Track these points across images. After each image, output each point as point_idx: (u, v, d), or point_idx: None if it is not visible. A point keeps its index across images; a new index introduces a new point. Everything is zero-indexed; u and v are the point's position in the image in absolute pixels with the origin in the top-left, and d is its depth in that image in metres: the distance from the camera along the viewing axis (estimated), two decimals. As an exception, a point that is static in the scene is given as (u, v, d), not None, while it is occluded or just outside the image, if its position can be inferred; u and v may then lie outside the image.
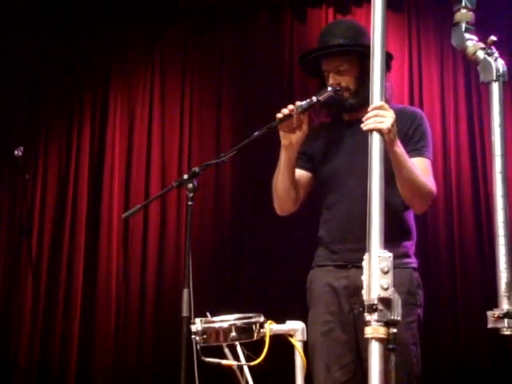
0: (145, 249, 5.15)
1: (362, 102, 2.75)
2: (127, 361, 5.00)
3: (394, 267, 1.67)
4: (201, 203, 4.89)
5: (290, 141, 2.75)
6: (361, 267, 1.69)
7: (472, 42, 1.94)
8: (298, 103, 2.72)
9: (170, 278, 5.06)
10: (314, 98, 2.74)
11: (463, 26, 1.96)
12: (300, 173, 2.89)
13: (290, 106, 2.70)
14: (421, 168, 2.64)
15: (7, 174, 5.36)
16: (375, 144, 1.78)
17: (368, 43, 2.81)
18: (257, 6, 5.31)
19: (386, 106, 2.11)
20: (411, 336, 2.64)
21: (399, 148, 2.47)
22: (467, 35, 1.95)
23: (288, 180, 2.82)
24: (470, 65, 4.54)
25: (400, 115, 2.37)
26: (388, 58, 2.59)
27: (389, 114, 2.18)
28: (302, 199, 2.91)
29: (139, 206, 3.07)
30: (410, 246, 2.77)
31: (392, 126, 2.22)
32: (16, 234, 5.23)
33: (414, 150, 2.66)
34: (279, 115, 2.71)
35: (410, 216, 2.80)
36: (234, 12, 5.36)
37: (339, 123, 2.93)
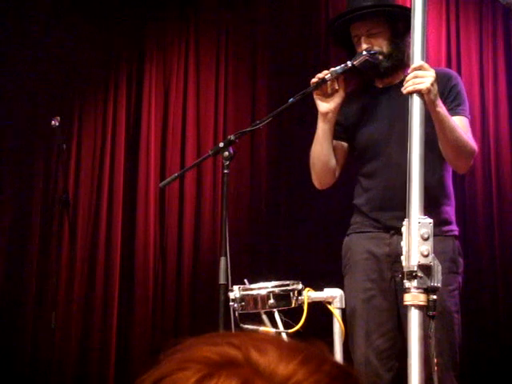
0: (181, 218, 5.17)
1: (395, 64, 2.72)
2: (165, 329, 5.04)
3: (436, 235, 1.65)
4: (236, 171, 4.87)
5: (326, 107, 2.72)
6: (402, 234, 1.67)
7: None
8: (332, 69, 2.68)
9: (206, 246, 5.08)
10: (349, 63, 2.70)
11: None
12: (336, 143, 2.85)
13: (325, 71, 2.67)
14: (460, 126, 2.60)
15: (43, 144, 5.39)
16: (415, 107, 1.76)
17: (397, 4, 2.78)
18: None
19: (426, 65, 2.05)
20: (454, 304, 2.62)
21: (441, 108, 2.43)
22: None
23: (326, 150, 2.78)
24: (510, 26, 4.50)
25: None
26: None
27: (428, 73, 2.13)
28: (339, 171, 2.88)
29: (176, 174, 3.08)
30: (451, 211, 2.74)
31: (432, 85, 2.17)
32: (52, 204, 5.28)
33: (451, 109, 2.62)
34: (314, 80, 2.68)
35: (450, 181, 2.76)
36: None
37: (371, 90, 2.89)
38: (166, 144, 5.29)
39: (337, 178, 2.89)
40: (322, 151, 2.78)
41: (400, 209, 2.51)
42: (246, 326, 2.45)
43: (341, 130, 2.86)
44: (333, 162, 2.81)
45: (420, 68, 1.98)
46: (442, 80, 2.62)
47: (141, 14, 5.50)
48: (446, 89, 2.67)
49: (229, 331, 2.47)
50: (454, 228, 2.72)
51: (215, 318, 2.54)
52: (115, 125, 5.38)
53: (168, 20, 5.47)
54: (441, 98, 2.47)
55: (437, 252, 1.65)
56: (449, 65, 4.73)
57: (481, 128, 4.63)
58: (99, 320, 5.12)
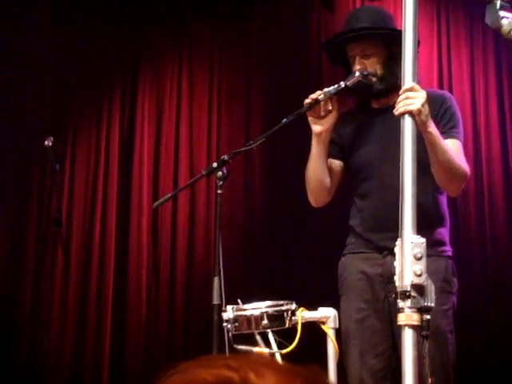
0: (174, 237, 5.16)
1: (389, 87, 2.74)
2: (158, 349, 5.02)
3: (430, 255, 1.66)
4: (230, 191, 4.87)
5: (320, 128, 2.73)
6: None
7: (507, 20, 1.89)
8: (326, 89, 2.70)
9: (199, 266, 5.07)
10: (342, 83, 2.72)
11: (498, 3, 1.91)
12: (331, 161, 2.87)
13: (318, 92, 2.68)
14: (452, 149, 2.61)
15: (36, 164, 5.39)
16: (407, 128, 1.76)
17: (394, 27, 2.80)
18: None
19: (417, 86, 2.07)
20: (447, 323, 2.62)
21: (433, 129, 2.44)
22: (502, 13, 1.90)
23: (321, 170, 2.79)
24: (501, 45, 4.54)
25: (428, 99, 2.32)
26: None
27: (419, 94, 2.14)
28: (335, 188, 2.89)
29: (169, 195, 3.08)
30: (445, 232, 2.74)
31: (423, 105, 2.18)
32: (45, 224, 5.26)
33: (444, 132, 2.63)
34: (307, 101, 2.69)
35: (444, 202, 2.77)
36: (262, 0, 5.32)
37: (367, 110, 2.90)
38: (159, 163, 5.30)
39: (332, 195, 2.90)
40: (317, 170, 2.80)
41: (393, 230, 2.51)
42: (240, 347, 2.45)
43: (336, 148, 2.87)
44: (328, 180, 2.83)
45: (411, 89, 1.99)
46: (436, 102, 2.63)
47: (135, 32, 5.51)
48: (440, 111, 2.68)
49: (223, 352, 2.47)
50: (448, 248, 2.73)
51: (209, 338, 2.53)
52: (108, 144, 5.37)
53: (162, 38, 5.49)
54: (435, 120, 2.48)
55: (430, 272, 1.65)
56: (440, 85, 4.76)
57: (473, 148, 4.65)
58: (92, 339, 5.09)
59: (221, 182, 2.74)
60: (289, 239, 4.91)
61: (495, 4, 1.90)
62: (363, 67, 2.76)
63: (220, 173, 2.74)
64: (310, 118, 2.74)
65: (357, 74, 2.74)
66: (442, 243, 2.70)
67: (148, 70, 5.47)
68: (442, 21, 4.92)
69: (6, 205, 5.37)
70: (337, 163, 2.88)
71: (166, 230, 5.18)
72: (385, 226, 2.64)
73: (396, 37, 2.65)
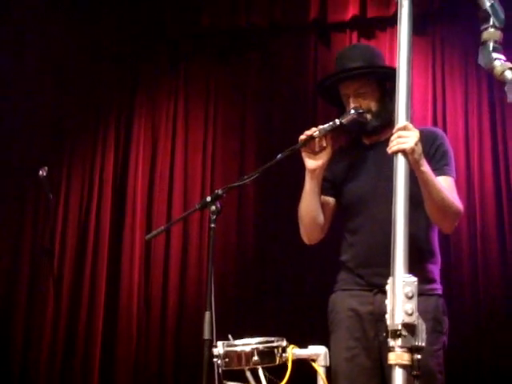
0: (166, 271, 5.14)
1: (383, 123, 2.77)
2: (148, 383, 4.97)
3: (420, 294, 1.65)
4: (223, 225, 4.87)
5: (314, 164, 2.74)
6: (386, 292, 1.66)
7: (500, 62, 1.90)
8: (321, 126, 2.71)
9: (191, 300, 5.04)
10: (337, 121, 2.74)
11: (491, 45, 1.92)
12: (324, 198, 2.87)
13: (313, 129, 2.70)
14: (445, 186, 2.62)
15: (31, 194, 5.39)
16: (400, 166, 1.77)
17: (385, 65, 2.83)
18: (281, 30, 5.31)
19: (410, 125, 2.07)
20: (437, 364, 2.60)
21: (425, 167, 2.45)
22: (495, 54, 1.91)
23: (314, 206, 2.80)
24: (494, 85, 4.58)
25: (421, 136, 2.32)
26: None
27: (412, 133, 2.15)
28: (328, 225, 2.89)
29: (163, 227, 3.08)
30: (436, 269, 2.74)
31: (416, 144, 2.20)
32: (38, 254, 5.24)
33: (437, 169, 2.63)
34: (302, 137, 2.71)
35: (435, 239, 2.77)
36: (258, 35, 5.37)
37: (358, 146, 2.92)
38: (152, 195, 5.30)
39: (325, 233, 2.90)
40: (310, 207, 2.80)
41: (383, 266, 2.50)
42: (230, 383, 2.43)
43: (328, 185, 2.88)
44: (321, 217, 2.83)
45: (404, 128, 2.00)
46: (428, 139, 2.64)
47: (131, 63, 5.55)
48: (432, 148, 2.70)
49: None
50: (438, 287, 2.72)
51: (199, 373, 2.51)
52: (102, 175, 5.38)
53: (158, 69, 5.52)
54: (427, 157, 2.49)
55: (420, 311, 1.64)
56: (434, 122, 4.79)
57: (466, 186, 4.67)
58: (79, 373, 5.05)
59: (214, 217, 2.74)
60: (281, 275, 4.90)
61: (488, 46, 1.92)
62: (358, 105, 2.79)
63: (214, 207, 2.74)
64: (304, 154, 2.75)
65: (352, 111, 2.76)
66: (432, 281, 2.69)
67: (144, 101, 5.49)
68: (436, 58, 4.96)
69: (1, 234, 5.36)
70: (329, 200, 2.89)
71: (159, 263, 5.16)
72: (375, 261, 2.64)
73: (388, 74, 2.69)
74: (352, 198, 2.82)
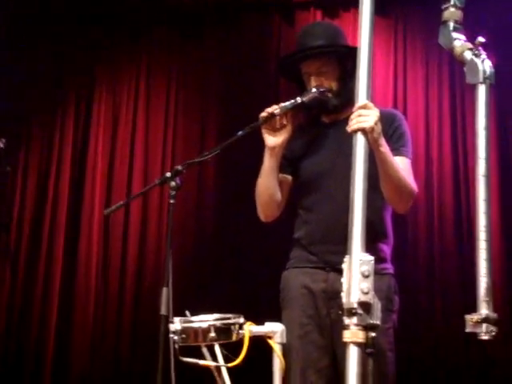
0: (125, 246, 5.13)
1: (344, 102, 2.77)
2: (104, 359, 4.97)
3: (373, 273, 1.66)
4: (182, 202, 4.85)
5: (273, 142, 2.74)
6: (340, 270, 1.67)
7: (460, 42, 1.90)
8: (282, 104, 2.71)
9: (149, 276, 5.04)
10: (299, 99, 2.73)
11: (451, 24, 1.92)
12: (281, 176, 2.87)
13: (274, 106, 2.69)
14: (402, 167, 2.64)
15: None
16: (359, 145, 1.76)
17: (347, 44, 2.83)
18: (244, 8, 5.29)
19: (370, 104, 2.07)
20: (387, 342, 2.63)
21: (384, 147, 2.46)
22: (455, 34, 1.91)
23: (272, 184, 2.79)
24: (455, 66, 4.62)
25: (380, 117, 2.31)
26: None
27: (372, 112, 2.13)
28: (284, 203, 2.89)
29: (121, 202, 3.05)
30: (388, 250, 2.76)
31: (375, 123, 2.19)
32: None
33: (394, 149, 2.64)
34: (263, 114, 2.70)
35: (389, 220, 2.79)
36: (221, 13, 5.33)
37: (318, 125, 2.92)
38: (112, 171, 5.27)
39: (281, 210, 2.90)
40: (268, 184, 2.79)
41: (337, 243, 2.53)
42: (186, 360, 2.42)
43: (286, 163, 2.88)
44: (278, 195, 2.83)
45: (364, 107, 1.99)
46: (386, 120, 2.65)
47: (92, 40, 5.48)
48: (390, 129, 2.71)
49: (168, 363, 2.44)
50: (390, 266, 2.75)
51: (155, 347, 2.50)
52: (61, 150, 5.34)
53: (119, 51, 5.47)
54: (385, 137, 2.50)
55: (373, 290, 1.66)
56: (395, 102, 4.83)
57: (425, 167, 4.71)
58: (34, 343, 5.05)
59: (174, 192, 2.72)
60: (238, 252, 4.91)
61: (448, 25, 1.92)
62: (319, 84, 2.78)
63: (173, 183, 2.72)
64: (264, 132, 2.74)
65: (313, 90, 2.76)
66: (384, 260, 2.72)
67: (105, 80, 5.44)
68: (398, 38, 4.99)
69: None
70: (287, 177, 2.89)
71: (117, 239, 5.14)
72: (330, 239, 2.65)
73: (350, 53, 2.69)
74: (309, 175, 2.82)
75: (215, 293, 4.76)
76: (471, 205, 4.53)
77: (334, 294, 2.54)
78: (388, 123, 2.68)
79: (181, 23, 5.40)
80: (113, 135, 5.33)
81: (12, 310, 5.10)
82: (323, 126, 2.90)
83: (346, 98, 2.75)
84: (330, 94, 2.79)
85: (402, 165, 2.65)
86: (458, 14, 1.92)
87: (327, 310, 2.66)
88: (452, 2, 1.91)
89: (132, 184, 5.20)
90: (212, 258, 5.00)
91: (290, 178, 2.90)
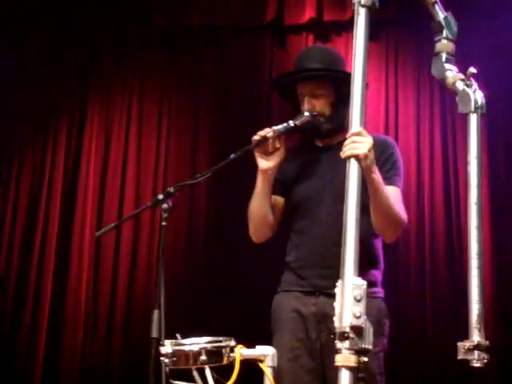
0: (116, 268, 5.11)
1: (336, 127, 2.79)
2: (94, 376, 4.93)
3: (363, 296, 1.66)
4: (174, 225, 4.85)
5: (266, 165, 2.75)
6: (330, 294, 1.68)
7: (452, 73, 1.95)
8: (275, 127, 2.72)
9: (140, 298, 5.02)
10: (291, 122, 2.75)
11: (444, 56, 1.96)
12: (274, 198, 2.88)
13: (267, 129, 2.71)
14: (392, 196, 2.65)
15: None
16: (352, 171, 1.78)
17: (344, 70, 2.86)
18: (237, 31, 5.33)
19: (364, 132, 2.09)
20: (377, 366, 2.63)
21: (376, 175, 2.47)
22: (447, 65, 1.96)
23: (265, 206, 2.81)
24: (446, 94, 4.66)
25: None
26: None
27: (366, 139, 2.15)
28: (277, 225, 2.90)
29: (113, 224, 3.04)
30: (378, 274, 2.77)
31: (369, 151, 2.20)
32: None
33: (386, 178, 2.66)
34: (255, 138, 2.71)
35: (379, 245, 2.80)
36: (214, 35, 5.37)
37: (310, 148, 2.94)
38: (104, 191, 5.26)
39: (274, 232, 2.91)
40: (261, 207, 2.81)
41: (327, 267, 2.55)
42: (177, 383, 2.41)
43: (279, 185, 2.89)
44: (271, 217, 2.84)
45: (358, 134, 2.01)
46: (379, 147, 2.66)
47: (85, 60, 5.50)
48: (382, 156, 2.72)
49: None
50: (380, 290, 2.76)
51: (145, 372, 2.49)
52: (53, 170, 5.33)
53: (112, 70, 5.49)
54: (377, 165, 2.52)
55: (362, 313, 1.67)
56: (386, 129, 4.85)
57: (416, 194, 4.73)
58: (22, 365, 5.00)
59: (166, 215, 2.72)
60: (230, 274, 4.89)
61: (441, 56, 1.96)
62: (312, 107, 2.80)
63: (165, 205, 2.73)
64: (257, 155, 2.76)
65: (306, 113, 2.78)
66: (374, 284, 2.72)
67: (97, 100, 5.44)
68: (389, 63, 5.03)
69: None
70: (279, 200, 2.91)
71: (108, 261, 5.13)
72: (320, 263, 2.66)
73: (346, 79, 2.71)
74: (300, 198, 2.84)
75: (206, 315, 4.75)
76: (462, 231, 4.54)
77: (324, 318, 2.54)
78: (380, 150, 2.69)
79: (173, 44, 5.43)
80: (105, 156, 5.33)
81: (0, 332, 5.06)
82: (316, 149, 2.92)
83: (337, 124, 2.78)
84: (322, 119, 2.81)
85: (392, 193, 2.66)
86: (450, 46, 1.97)
87: (317, 334, 2.66)
88: (444, 35, 1.96)
89: (124, 204, 5.19)
90: (202, 280, 4.99)
91: (282, 200, 2.91)
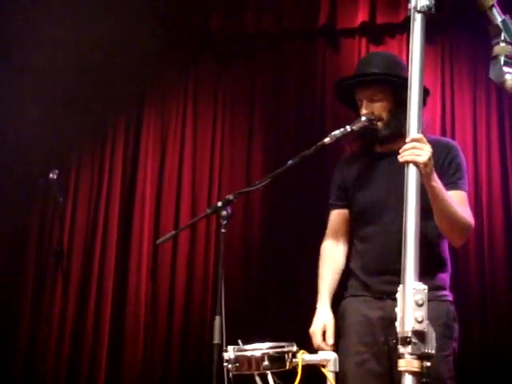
0: (173, 276, 5.13)
1: (393, 133, 2.78)
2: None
3: (431, 300, 1.66)
4: (229, 231, 4.84)
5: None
6: (396, 299, 1.68)
7: (511, 76, 1.93)
8: (332, 133, 2.74)
9: (197, 305, 5.03)
10: (348, 127, 2.77)
11: (502, 59, 1.95)
12: (342, 212, 2.92)
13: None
14: (457, 201, 2.63)
15: (40, 197, 5.40)
16: (411, 176, 1.79)
17: (404, 76, 2.85)
18: (290, 34, 5.33)
19: (424, 139, 2.09)
20: (448, 370, 2.61)
21: (436, 182, 2.46)
22: (506, 68, 1.94)
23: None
24: (504, 97, 4.59)
25: (435, 147, 2.32)
26: (424, 93, 2.58)
27: (426, 147, 2.15)
28: (348, 237, 2.96)
29: (173, 232, 3.11)
30: (446, 278, 2.76)
31: (429, 159, 2.19)
32: (45, 255, 5.25)
33: (450, 182, 2.65)
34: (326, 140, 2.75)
35: (445, 248, 2.79)
36: (267, 39, 5.38)
37: (371, 154, 2.93)
38: (160, 201, 5.30)
39: (348, 245, 2.97)
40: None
41: (393, 274, 2.54)
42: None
43: (341, 194, 2.92)
44: (341, 268, 2.98)
45: (419, 140, 2.01)
46: (442, 151, 2.66)
47: (142, 68, 5.53)
48: (445, 160, 2.71)
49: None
50: (448, 293, 2.74)
51: (203, 378, 2.52)
52: (111, 179, 5.39)
53: (167, 76, 5.52)
54: (440, 168, 2.50)
55: (431, 317, 1.66)
56: (443, 130, 4.81)
57: (474, 196, 4.66)
58: (85, 380, 5.06)
59: (225, 222, 2.77)
60: (287, 281, 4.87)
61: (499, 60, 1.94)
62: (370, 112, 2.81)
63: (224, 212, 2.77)
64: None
65: (363, 118, 2.79)
66: (442, 288, 2.71)
67: (153, 107, 5.49)
68: (445, 66, 4.97)
69: (6, 236, 5.37)
70: (345, 212, 2.93)
71: (166, 268, 5.15)
72: (384, 270, 2.66)
73: (404, 84, 2.71)
74: (363, 206, 2.84)
75: (265, 321, 4.75)
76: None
77: (391, 322, 2.53)
78: (443, 154, 2.69)
79: (228, 48, 5.45)
80: (160, 163, 5.36)
81: (62, 343, 5.12)
82: (376, 155, 2.92)
83: (395, 129, 2.76)
84: (379, 124, 2.81)
85: (458, 198, 2.65)
86: (509, 49, 1.95)
87: (385, 338, 2.66)
88: (502, 38, 1.94)
89: (180, 211, 5.23)
90: (259, 286, 4.99)
91: (347, 211, 2.93)
